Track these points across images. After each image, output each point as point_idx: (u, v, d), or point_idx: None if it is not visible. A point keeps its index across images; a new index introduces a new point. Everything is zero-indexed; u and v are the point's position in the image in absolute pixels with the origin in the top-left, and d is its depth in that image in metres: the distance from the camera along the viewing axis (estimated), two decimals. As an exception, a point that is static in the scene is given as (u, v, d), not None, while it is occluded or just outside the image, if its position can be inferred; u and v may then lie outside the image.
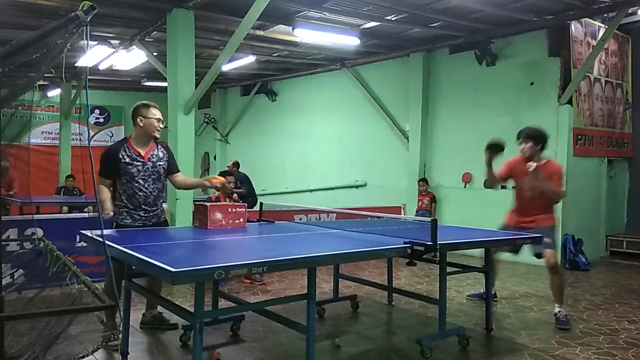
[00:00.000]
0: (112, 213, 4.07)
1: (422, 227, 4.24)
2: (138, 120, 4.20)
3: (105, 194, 4.11)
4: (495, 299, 5.66)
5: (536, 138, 4.98)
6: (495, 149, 4.94)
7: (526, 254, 5.15)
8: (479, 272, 4.90)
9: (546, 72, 8.21)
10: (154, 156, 4.26)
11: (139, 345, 4.17)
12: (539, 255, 4.96)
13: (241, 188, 8.04)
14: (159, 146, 4.35)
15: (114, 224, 4.16)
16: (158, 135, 4.29)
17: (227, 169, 9.38)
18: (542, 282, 6.35)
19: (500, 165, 5.21)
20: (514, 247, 4.96)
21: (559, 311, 4.88)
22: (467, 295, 5.91)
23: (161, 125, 4.29)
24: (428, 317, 5.04)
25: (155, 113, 4.24)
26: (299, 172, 12.76)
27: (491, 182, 5.30)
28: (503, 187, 5.99)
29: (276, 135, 13.42)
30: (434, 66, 9.83)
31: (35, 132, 13.53)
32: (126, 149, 4.17)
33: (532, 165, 4.78)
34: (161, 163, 4.30)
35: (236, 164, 9.54)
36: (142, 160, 4.19)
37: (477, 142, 6.81)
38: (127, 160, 4.13)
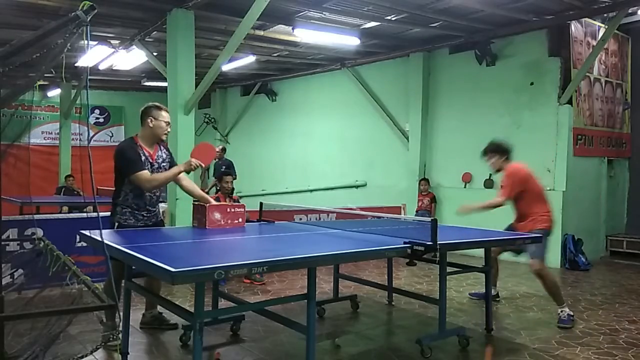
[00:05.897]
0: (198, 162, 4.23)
1: (422, 227, 4.24)
2: (148, 120, 4.20)
3: (160, 174, 4.20)
4: (497, 299, 5.69)
5: (500, 150, 5.20)
6: None
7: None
8: (479, 272, 4.89)
9: (546, 72, 8.21)
10: (159, 157, 4.30)
11: (139, 345, 4.18)
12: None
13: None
14: (161, 147, 4.38)
15: (117, 224, 4.15)
16: (165, 138, 4.33)
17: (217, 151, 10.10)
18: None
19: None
20: (517, 248, 5.06)
21: (561, 311, 4.88)
22: (469, 294, 5.91)
23: (169, 129, 4.32)
24: (428, 317, 5.04)
25: (166, 116, 4.26)
26: (299, 172, 12.75)
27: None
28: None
29: (276, 135, 13.42)
30: (434, 66, 9.82)
31: (35, 132, 13.53)
32: (138, 148, 4.16)
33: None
34: (165, 164, 4.33)
35: (224, 150, 10.65)
36: (151, 160, 4.21)
37: (477, 142, 6.79)
38: (142, 159, 4.14)
